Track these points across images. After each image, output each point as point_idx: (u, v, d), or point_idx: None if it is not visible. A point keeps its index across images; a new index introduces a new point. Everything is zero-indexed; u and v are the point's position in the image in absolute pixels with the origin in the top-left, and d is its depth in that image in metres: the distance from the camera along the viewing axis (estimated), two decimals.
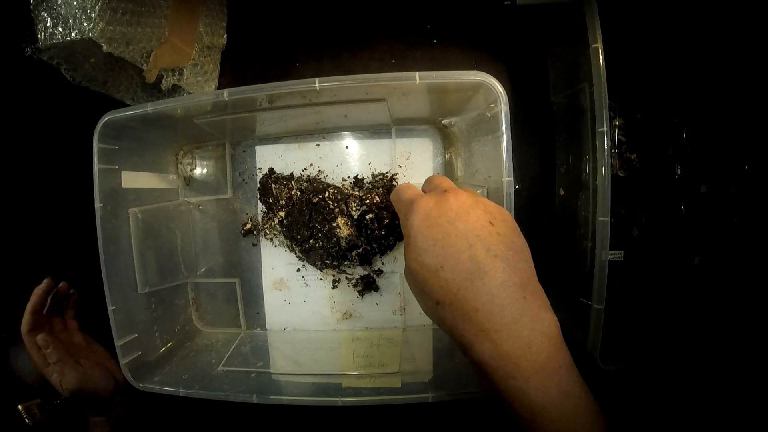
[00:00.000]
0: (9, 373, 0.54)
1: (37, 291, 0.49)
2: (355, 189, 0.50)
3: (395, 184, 0.50)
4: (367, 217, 0.48)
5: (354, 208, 0.48)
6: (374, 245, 0.49)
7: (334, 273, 0.53)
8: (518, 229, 0.30)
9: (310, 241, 0.51)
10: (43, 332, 0.47)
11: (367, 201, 0.48)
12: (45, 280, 0.50)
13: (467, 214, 0.29)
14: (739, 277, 0.47)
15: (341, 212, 0.49)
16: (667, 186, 0.51)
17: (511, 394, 0.25)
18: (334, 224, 0.49)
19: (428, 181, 0.36)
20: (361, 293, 0.53)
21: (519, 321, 0.26)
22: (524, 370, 0.25)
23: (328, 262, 0.51)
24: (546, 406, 0.25)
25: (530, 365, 0.25)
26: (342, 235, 0.49)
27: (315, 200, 0.50)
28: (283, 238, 0.53)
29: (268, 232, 0.53)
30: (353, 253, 0.50)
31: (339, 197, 0.49)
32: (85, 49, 0.42)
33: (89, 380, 0.47)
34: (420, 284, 0.29)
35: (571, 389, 0.25)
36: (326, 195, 0.49)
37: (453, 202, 0.30)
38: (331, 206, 0.49)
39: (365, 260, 0.51)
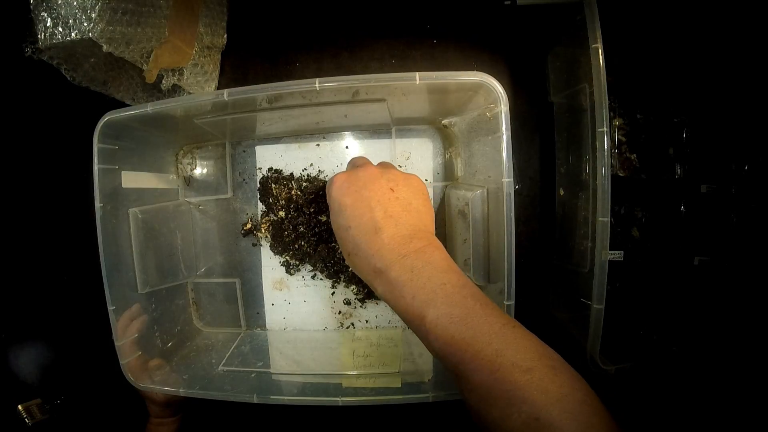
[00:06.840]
0: (9, 373, 0.54)
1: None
2: None
3: None
4: None
5: None
6: None
7: (333, 281, 0.53)
8: (421, 192, 0.38)
9: (308, 248, 0.50)
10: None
11: None
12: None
13: (372, 183, 0.36)
14: (739, 277, 0.47)
15: None
16: (667, 186, 0.51)
17: (407, 313, 0.31)
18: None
19: (350, 161, 0.43)
20: (362, 301, 0.53)
21: (405, 255, 0.32)
22: (408, 288, 0.31)
23: (330, 264, 0.51)
24: (430, 311, 0.29)
25: (413, 284, 0.31)
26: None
27: (311, 208, 0.49)
28: (279, 248, 0.53)
29: (267, 236, 0.53)
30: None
31: None
32: (85, 49, 0.42)
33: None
34: (338, 239, 0.37)
35: (459, 300, 0.29)
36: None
37: (362, 175, 0.37)
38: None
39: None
